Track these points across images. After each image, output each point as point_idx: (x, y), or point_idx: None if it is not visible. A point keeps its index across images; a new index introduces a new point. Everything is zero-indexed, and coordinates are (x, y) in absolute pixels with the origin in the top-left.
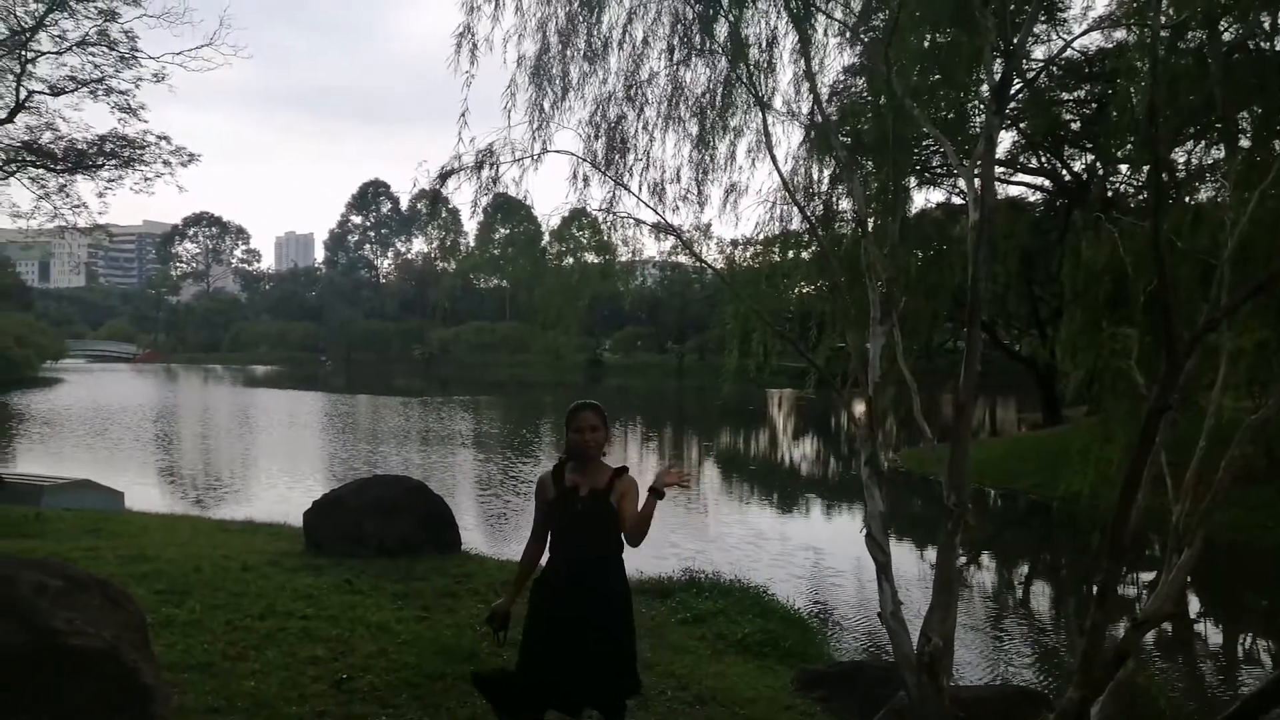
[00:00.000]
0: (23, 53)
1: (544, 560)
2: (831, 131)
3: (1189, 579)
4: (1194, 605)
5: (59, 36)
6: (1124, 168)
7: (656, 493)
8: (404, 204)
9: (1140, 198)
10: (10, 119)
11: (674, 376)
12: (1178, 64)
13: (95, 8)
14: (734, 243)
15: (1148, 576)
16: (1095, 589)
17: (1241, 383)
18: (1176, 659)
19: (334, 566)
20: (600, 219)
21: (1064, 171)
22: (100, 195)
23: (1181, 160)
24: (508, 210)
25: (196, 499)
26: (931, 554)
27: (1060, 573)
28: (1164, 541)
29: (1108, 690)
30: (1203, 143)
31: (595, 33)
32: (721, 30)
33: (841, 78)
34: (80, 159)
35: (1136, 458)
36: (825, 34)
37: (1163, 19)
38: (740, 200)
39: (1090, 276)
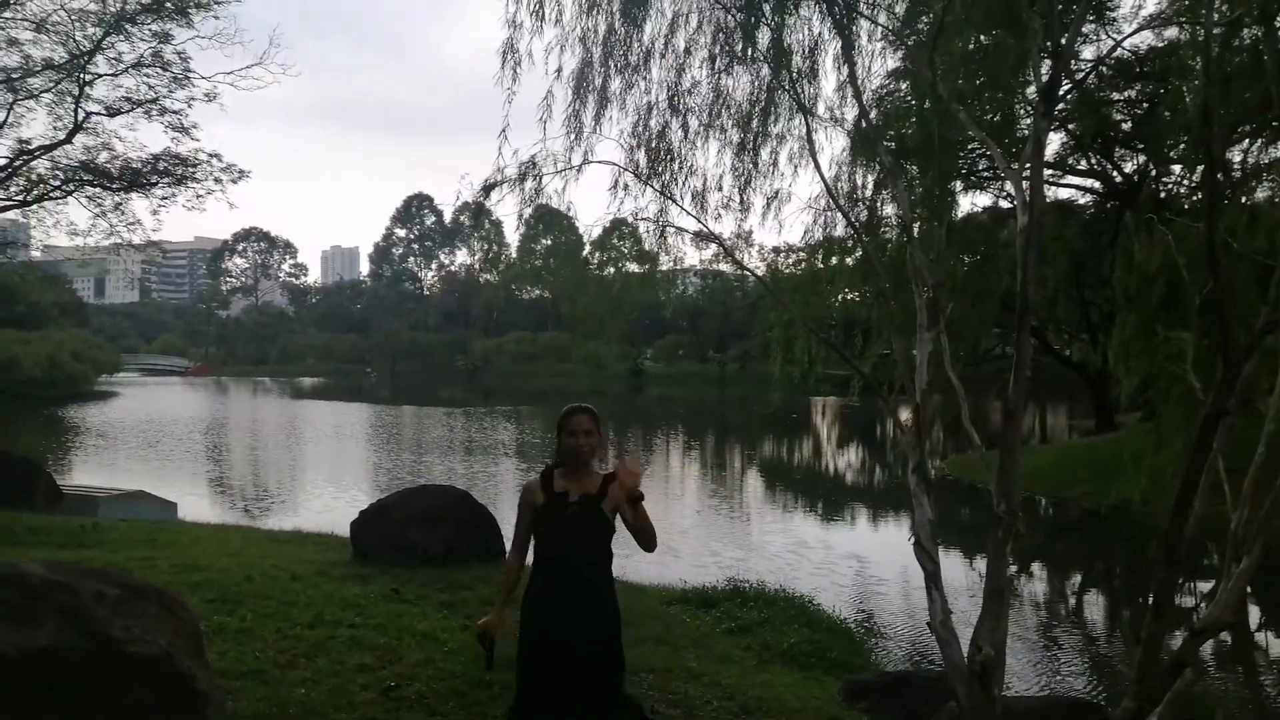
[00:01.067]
0: (81, 75)
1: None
2: (876, 136)
3: (1248, 588)
4: (1253, 615)
5: (115, 59)
6: (1177, 168)
7: (638, 498)
8: (447, 217)
9: (1194, 198)
10: (69, 139)
11: (715, 385)
12: (1232, 61)
13: (150, 30)
14: (777, 250)
15: (1205, 585)
16: (1151, 598)
17: None
18: (1235, 670)
19: (380, 575)
20: (642, 228)
21: (1115, 173)
22: (154, 213)
23: (1237, 160)
24: (550, 221)
25: (246, 509)
26: (980, 563)
27: (1113, 582)
28: (1222, 550)
29: (1165, 701)
30: (1259, 141)
31: (637, 43)
32: (763, 38)
33: (885, 82)
34: (135, 178)
35: (1193, 464)
36: (869, 39)
37: (1216, 16)
38: (783, 207)
39: (1143, 279)
